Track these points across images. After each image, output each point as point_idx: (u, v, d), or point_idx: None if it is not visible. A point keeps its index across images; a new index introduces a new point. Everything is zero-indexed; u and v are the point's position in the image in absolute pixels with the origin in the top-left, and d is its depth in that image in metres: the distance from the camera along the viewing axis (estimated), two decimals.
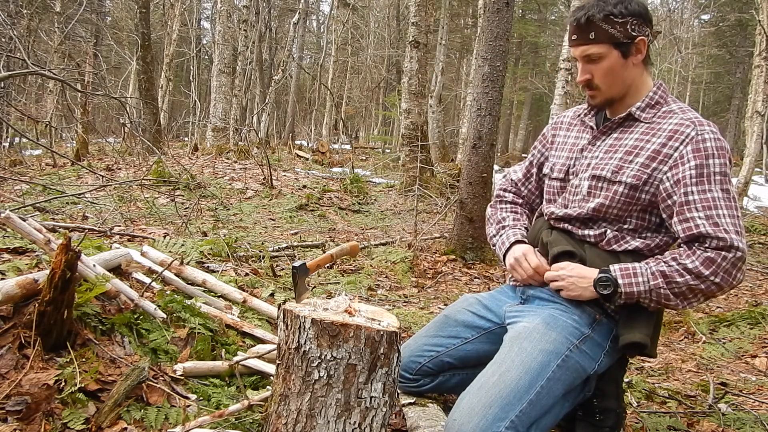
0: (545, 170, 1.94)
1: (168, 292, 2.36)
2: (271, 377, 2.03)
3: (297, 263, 1.71)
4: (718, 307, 4.16)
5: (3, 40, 9.32)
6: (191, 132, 15.01)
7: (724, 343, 3.27)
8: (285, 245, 4.74)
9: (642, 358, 2.79)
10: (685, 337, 3.46)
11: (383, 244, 5.28)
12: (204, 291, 2.63)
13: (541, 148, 2.01)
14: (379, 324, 1.43)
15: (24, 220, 2.23)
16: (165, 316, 2.15)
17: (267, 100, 16.03)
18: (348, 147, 15.73)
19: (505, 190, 2.09)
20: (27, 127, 11.61)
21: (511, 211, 2.03)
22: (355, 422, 1.38)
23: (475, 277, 4.66)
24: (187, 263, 2.92)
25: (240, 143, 12.40)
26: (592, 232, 1.74)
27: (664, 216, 1.66)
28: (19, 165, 8.54)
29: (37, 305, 1.70)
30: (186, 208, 5.92)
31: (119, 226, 4.63)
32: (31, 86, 13.98)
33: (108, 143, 11.94)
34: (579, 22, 1.67)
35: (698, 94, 26.77)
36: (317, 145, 15.20)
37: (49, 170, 8.10)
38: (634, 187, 1.66)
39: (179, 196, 6.49)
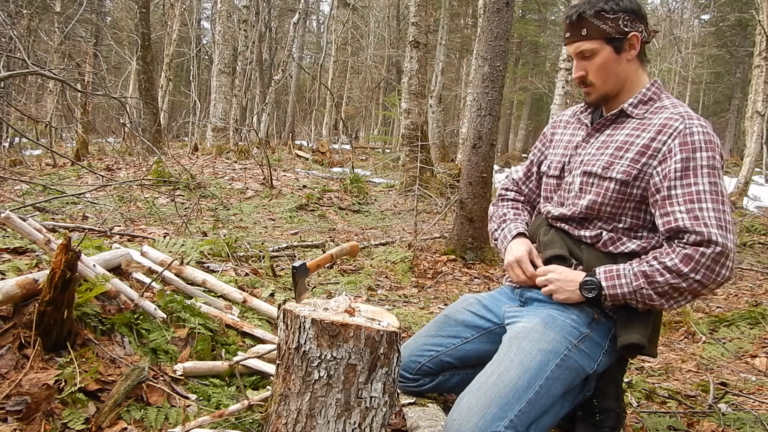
0: (543, 168, 1.95)
1: (168, 292, 2.36)
2: (271, 377, 2.03)
3: (297, 263, 1.71)
4: (718, 307, 4.16)
5: (3, 40, 9.32)
6: (191, 132, 15.01)
7: (724, 343, 3.26)
8: (285, 245, 4.74)
9: (642, 358, 2.80)
10: (685, 337, 3.46)
11: (383, 244, 5.28)
12: (204, 291, 2.63)
13: (541, 147, 2.02)
14: (379, 324, 1.43)
15: (24, 220, 2.23)
16: (165, 316, 2.15)
17: (267, 100, 16.03)
18: (348, 147, 15.73)
19: (507, 189, 2.10)
20: (27, 127, 11.61)
21: (512, 207, 2.05)
22: (355, 422, 1.38)
23: (475, 277, 4.66)
24: (187, 263, 2.92)
25: (240, 143, 12.40)
26: (588, 233, 1.74)
27: (652, 211, 1.66)
28: (19, 165, 8.54)
29: (37, 305, 1.70)
30: (186, 208, 5.92)
31: (119, 226, 4.63)
32: (31, 86, 13.98)
33: (108, 143, 11.94)
34: (571, 19, 1.68)
35: (698, 94, 26.77)
36: (317, 145, 15.20)
37: (49, 170, 8.10)
38: (624, 182, 1.66)
39: (179, 196, 6.49)
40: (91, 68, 12.54)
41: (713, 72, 26.50)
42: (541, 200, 1.96)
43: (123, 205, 5.93)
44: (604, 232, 1.72)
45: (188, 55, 20.71)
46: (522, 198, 2.07)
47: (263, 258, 3.96)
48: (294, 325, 1.39)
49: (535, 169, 2.03)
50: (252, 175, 8.83)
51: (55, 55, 11.79)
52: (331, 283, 3.94)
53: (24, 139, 11.02)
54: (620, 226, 1.71)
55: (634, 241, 1.70)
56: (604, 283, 1.62)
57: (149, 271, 2.60)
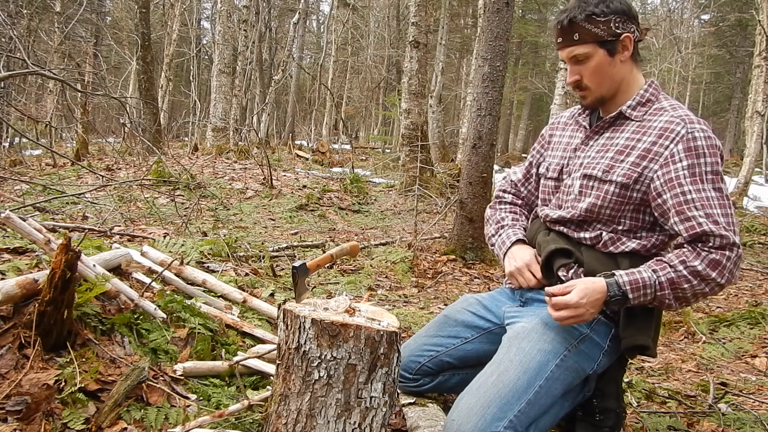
0: (541, 170, 1.95)
1: (168, 292, 2.36)
2: (271, 377, 2.03)
3: (297, 263, 1.71)
4: (718, 307, 4.16)
5: (3, 40, 9.32)
6: (191, 132, 15.01)
7: (724, 343, 3.26)
8: (285, 245, 4.74)
9: (642, 358, 2.80)
10: (685, 337, 3.46)
11: (383, 244, 5.28)
12: (204, 291, 2.63)
13: (540, 149, 2.01)
14: (379, 324, 1.43)
15: (24, 220, 2.23)
16: (165, 316, 2.15)
17: (267, 100, 16.03)
18: (348, 147, 15.73)
19: (504, 191, 2.09)
20: (27, 127, 11.61)
21: (510, 212, 2.03)
22: (355, 422, 1.38)
23: (475, 277, 4.66)
24: (187, 263, 2.92)
25: (240, 143, 12.39)
26: (587, 235, 1.73)
27: (656, 214, 1.66)
28: (19, 165, 8.54)
29: (37, 305, 1.70)
30: (186, 208, 5.92)
31: (119, 226, 4.63)
32: (31, 86, 13.98)
33: (108, 143, 11.94)
34: (562, 24, 1.67)
35: (698, 94, 26.76)
36: (317, 145, 15.20)
37: (49, 170, 8.10)
38: (624, 186, 1.65)
39: (179, 196, 6.49)
40: (91, 68, 12.54)
41: (713, 72, 26.49)
42: (539, 203, 1.95)
43: (123, 205, 5.93)
44: (604, 233, 1.71)
45: (188, 55, 20.71)
46: (520, 201, 2.05)
47: (263, 258, 3.96)
48: (294, 325, 1.39)
49: (534, 170, 2.02)
50: (252, 175, 8.83)
51: (55, 55, 11.79)
52: (331, 283, 3.94)
53: (24, 139, 11.02)
54: (619, 227, 1.71)
55: (634, 240, 1.70)
56: (630, 296, 1.56)
57: (149, 271, 2.60)
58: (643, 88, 1.72)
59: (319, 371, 1.36)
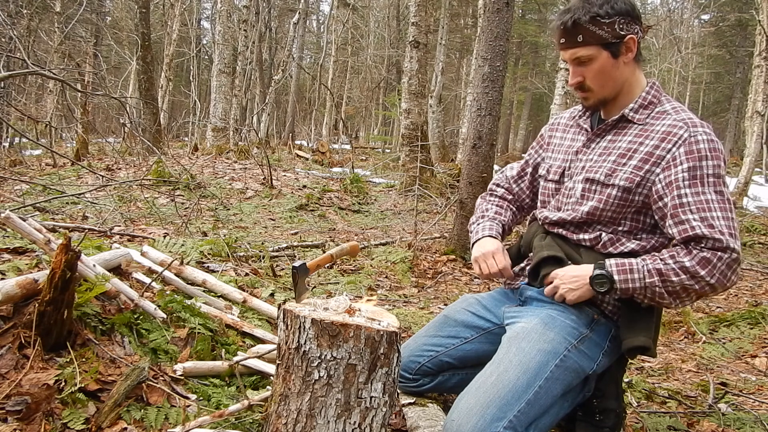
0: (541, 172, 1.95)
1: (168, 292, 2.36)
2: (271, 377, 2.03)
3: (297, 263, 1.71)
4: (718, 307, 4.16)
5: (3, 40, 9.32)
6: (191, 132, 15.00)
7: (724, 343, 3.27)
8: (285, 245, 4.74)
9: (642, 358, 2.80)
10: (685, 337, 3.46)
11: (383, 244, 5.28)
12: (204, 291, 2.63)
13: (538, 149, 2.01)
14: (379, 324, 1.43)
15: (24, 220, 2.23)
16: (165, 316, 2.15)
17: (267, 100, 16.03)
18: (348, 147, 15.72)
19: (497, 185, 2.09)
20: (27, 127, 11.60)
21: (497, 205, 2.04)
22: (355, 422, 1.38)
23: (475, 277, 4.66)
24: (187, 263, 2.92)
25: (240, 143, 12.39)
26: (587, 236, 1.73)
27: (656, 217, 1.66)
28: (19, 165, 8.54)
29: (37, 305, 1.70)
30: (186, 208, 5.92)
31: (119, 226, 4.63)
32: (31, 86, 13.98)
33: (108, 143, 11.93)
34: (566, 25, 1.64)
35: (698, 94, 26.74)
36: (317, 145, 15.20)
37: (49, 170, 8.09)
38: (627, 189, 1.65)
39: (179, 196, 6.49)
40: (91, 68, 12.55)
41: (713, 72, 26.48)
42: (538, 205, 1.95)
43: (123, 205, 5.93)
44: (604, 234, 1.71)
45: (188, 55, 20.69)
46: (510, 197, 2.06)
47: (263, 258, 3.96)
48: (294, 325, 1.39)
49: (529, 170, 2.02)
50: (252, 175, 8.83)
51: (55, 55, 11.79)
52: (331, 283, 3.94)
53: (24, 139, 11.01)
54: (620, 229, 1.71)
55: (634, 241, 1.70)
56: (616, 277, 1.59)
57: (149, 271, 2.60)
58: (645, 90, 1.71)
59: (319, 371, 1.36)
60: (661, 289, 1.56)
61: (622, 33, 1.63)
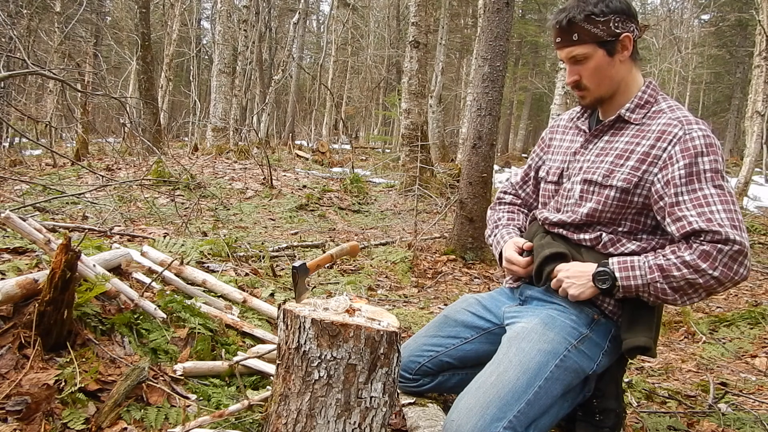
0: (541, 173, 1.96)
1: (168, 292, 2.36)
2: (271, 377, 2.03)
3: (297, 263, 1.71)
4: (718, 307, 4.16)
5: (3, 40, 9.32)
6: (191, 132, 14.99)
7: (724, 343, 3.27)
8: (285, 245, 4.74)
9: (642, 358, 2.80)
10: (685, 337, 3.46)
11: (383, 244, 5.28)
12: (204, 291, 2.63)
13: (539, 152, 2.02)
14: (379, 324, 1.43)
15: (24, 220, 2.23)
16: (165, 316, 2.15)
17: (267, 100, 16.03)
18: (348, 147, 15.72)
19: (504, 193, 2.12)
20: (27, 127, 11.60)
21: (507, 211, 2.06)
22: (355, 422, 1.38)
23: (475, 277, 4.66)
24: (187, 263, 2.92)
25: (240, 143, 12.39)
26: (587, 236, 1.73)
27: (658, 218, 1.66)
28: (19, 165, 8.54)
29: (37, 305, 1.70)
30: (186, 208, 5.92)
31: (119, 226, 4.63)
32: (31, 86, 13.98)
33: (108, 143, 11.93)
34: (561, 24, 1.66)
35: (698, 94, 26.74)
36: (317, 145, 15.20)
37: (49, 170, 8.09)
38: (625, 190, 1.65)
39: (179, 196, 6.49)
40: (91, 68, 12.54)
41: (713, 72, 26.48)
42: (539, 206, 1.96)
43: (123, 205, 5.93)
44: (604, 234, 1.71)
45: (188, 55, 20.68)
46: (519, 201, 2.07)
47: (263, 258, 3.96)
48: (294, 325, 1.39)
49: (532, 173, 2.04)
50: (252, 175, 8.83)
51: (55, 55, 11.79)
52: (331, 283, 3.94)
53: (24, 139, 11.01)
54: (620, 229, 1.71)
55: (634, 242, 1.70)
56: (618, 274, 1.59)
57: (149, 271, 2.60)
58: (641, 90, 1.71)
59: (319, 371, 1.36)
60: (663, 285, 1.55)
61: (618, 31, 1.63)
